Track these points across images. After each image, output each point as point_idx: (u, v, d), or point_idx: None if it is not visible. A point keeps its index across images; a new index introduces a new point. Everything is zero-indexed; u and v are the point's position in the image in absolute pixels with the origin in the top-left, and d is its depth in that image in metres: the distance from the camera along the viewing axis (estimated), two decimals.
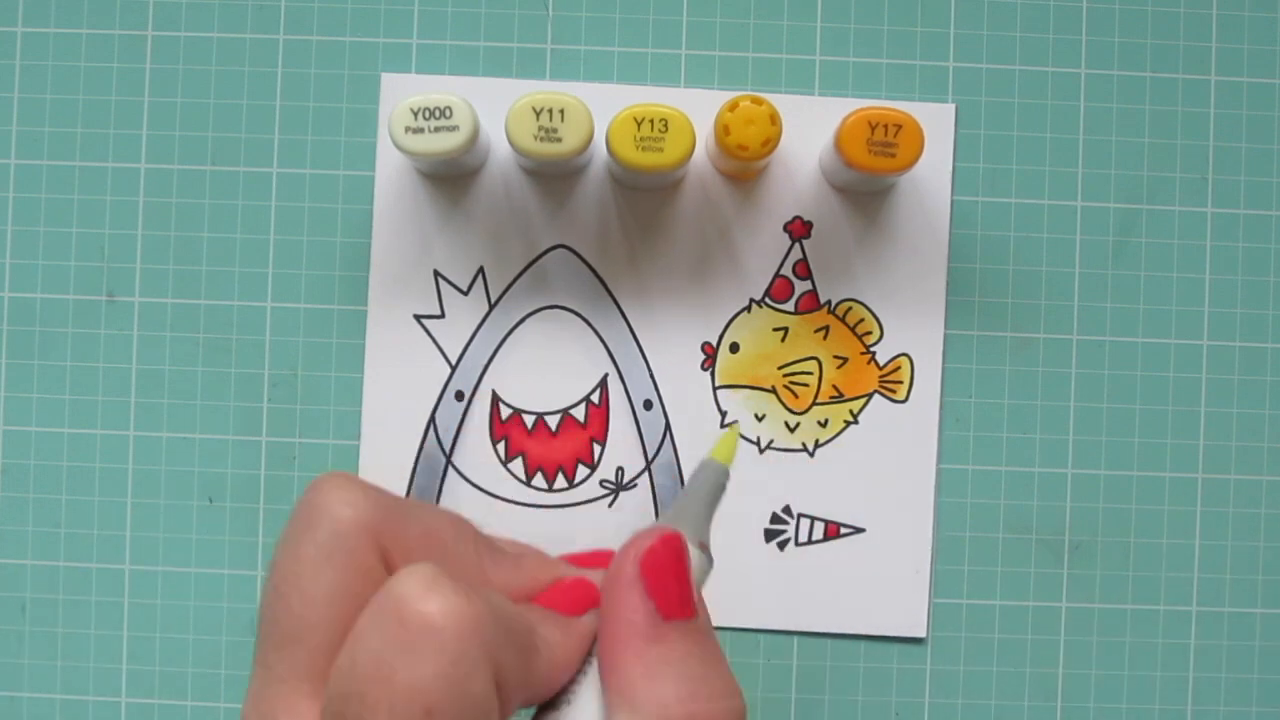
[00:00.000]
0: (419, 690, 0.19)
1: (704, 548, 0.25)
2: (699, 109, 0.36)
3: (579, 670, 0.23)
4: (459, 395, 0.37)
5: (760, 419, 0.37)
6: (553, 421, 0.37)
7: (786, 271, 0.37)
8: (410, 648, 0.19)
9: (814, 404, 0.37)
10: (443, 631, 0.20)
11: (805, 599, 0.37)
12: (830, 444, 0.37)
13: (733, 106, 0.33)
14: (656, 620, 0.23)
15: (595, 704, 0.23)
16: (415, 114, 0.33)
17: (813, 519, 0.37)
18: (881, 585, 0.37)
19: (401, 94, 0.37)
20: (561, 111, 0.33)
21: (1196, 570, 0.37)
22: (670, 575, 0.23)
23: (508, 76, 0.37)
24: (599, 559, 0.26)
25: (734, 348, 0.37)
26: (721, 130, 0.33)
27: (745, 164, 0.35)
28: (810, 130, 0.37)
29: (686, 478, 0.37)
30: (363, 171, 0.37)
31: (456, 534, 0.24)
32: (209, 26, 0.37)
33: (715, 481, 0.27)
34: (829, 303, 0.37)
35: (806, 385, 0.37)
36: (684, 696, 0.22)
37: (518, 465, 0.37)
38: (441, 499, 0.37)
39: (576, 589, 0.25)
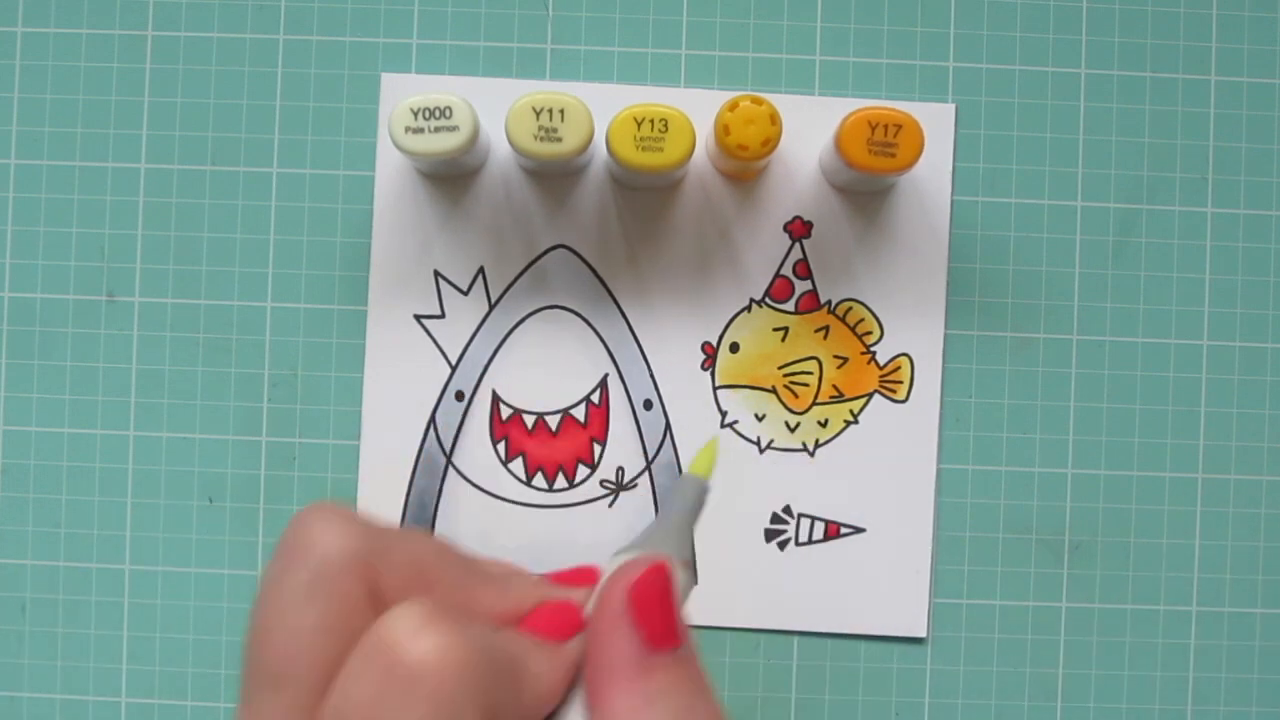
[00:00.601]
0: None
1: (688, 565, 0.25)
2: (699, 109, 0.36)
3: (564, 699, 0.23)
4: (459, 395, 0.37)
5: (760, 419, 0.37)
6: (553, 421, 0.37)
7: (786, 271, 0.37)
8: (399, 695, 0.19)
9: (814, 404, 0.37)
10: (431, 678, 0.19)
11: (805, 599, 0.37)
12: (830, 444, 0.37)
13: (733, 106, 0.33)
14: (644, 653, 0.22)
15: None
16: (415, 114, 0.33)
17: (813, 519, 0.37)
18: (881, 585, 0.37)
19: (401, 94, 0.37)
20: (561, 111, 0.33)
21: (1196, 570, 0.37)
22: (658, 606, 0.23)
23: (508, 76, 0.37)
24: (584, 576, 0.26)
25: (734, 348, 0.37)
26: (721, 130, 0.33)
27: (745, 164, 0.35)
28: (810, 130, 0.37)
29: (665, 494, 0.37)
30: (363, 171, 0.37)
31: (441, 560, 0.23)
32: (209, 26, 0.37)
33: (696, 496, 0.26)
34: (829, 303, 0.37)
35: (806, 385, 0.37)
36: None
37: (518, 465, 0.37)
38: (441, 499, 0.37)
39: (562, 613, 0.24)
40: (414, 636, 0.20)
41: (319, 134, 0.37)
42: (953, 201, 0.37)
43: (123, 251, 0.37)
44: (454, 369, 0.37)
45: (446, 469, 0.37)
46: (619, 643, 0.22)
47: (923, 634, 0.37)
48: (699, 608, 0.37)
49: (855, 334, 0.37)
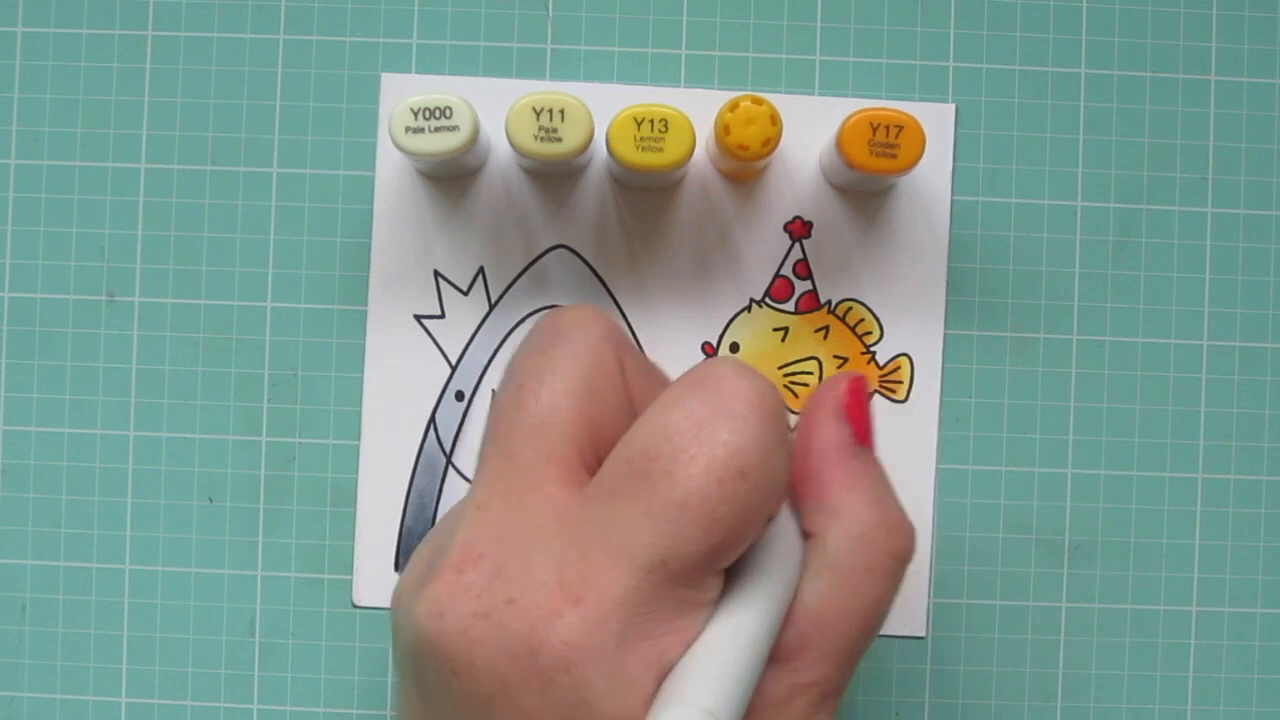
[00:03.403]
0: (739, 452, 0.22)
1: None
2: (699, 109, 0.36)
3: None
4: (459, 395, 0.37)
5: None
6: None
7: (786, 271, 0.37)
8: (734, 414, 0.22)
9: None
10: (763, 406, 0.22)
11: None
12: None
13: (733, 106, 0.33)
14: (854, 442, 0.26)
15: (790, 518, 0.25)
16: (415, 114, 0.33)
17: None
18: None
19: (401, 94, 0.37)
20: (561, 111, 0.33)
21: (1196, 570, 0.37)
22: (862, 409, 0.27)
23: (508, 76, 0.37)
24: None
25: (734, 348, 0.37)
26: (721, 130, 0.33)
27: (745, 164, 0.35)
28: (810, 130, 0.37)
29: None
30: (363, 171, 0.37)
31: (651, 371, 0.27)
32: (209, 26, 0.37)
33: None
34: (829, 303, 0.37)
35: (807, 385, 0.37)
36: (877, 504, 0.25)
37: None
38: (442, 499, 0.37)
39: None
40: (743, 375, 0.23)
41: (319, 134, 0.37)
42: (953, 201, 0.37)
43: (123, 251, 0.37)
44: (454, 369, 0.37)
45: (446, 469, 0.37)
46: (834, 433, 0.26)
47: (923, 633, 0.37)
48: None
49: (855, 334, 0.37)
